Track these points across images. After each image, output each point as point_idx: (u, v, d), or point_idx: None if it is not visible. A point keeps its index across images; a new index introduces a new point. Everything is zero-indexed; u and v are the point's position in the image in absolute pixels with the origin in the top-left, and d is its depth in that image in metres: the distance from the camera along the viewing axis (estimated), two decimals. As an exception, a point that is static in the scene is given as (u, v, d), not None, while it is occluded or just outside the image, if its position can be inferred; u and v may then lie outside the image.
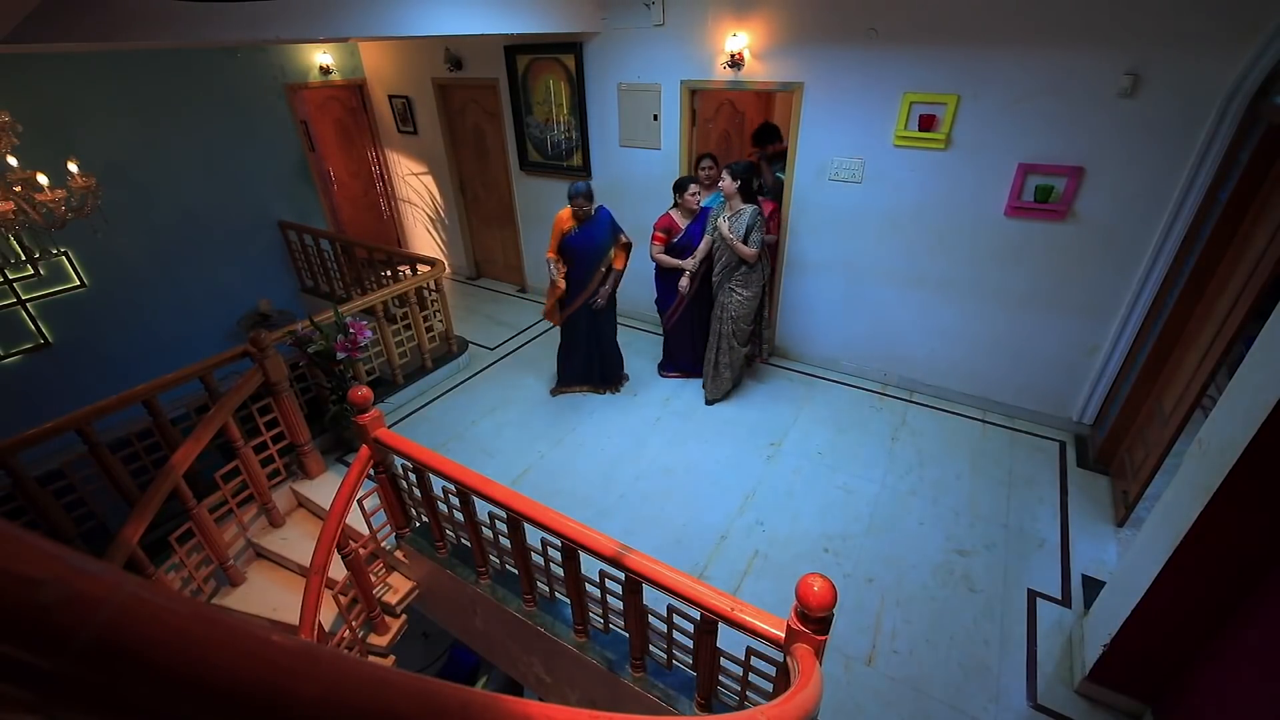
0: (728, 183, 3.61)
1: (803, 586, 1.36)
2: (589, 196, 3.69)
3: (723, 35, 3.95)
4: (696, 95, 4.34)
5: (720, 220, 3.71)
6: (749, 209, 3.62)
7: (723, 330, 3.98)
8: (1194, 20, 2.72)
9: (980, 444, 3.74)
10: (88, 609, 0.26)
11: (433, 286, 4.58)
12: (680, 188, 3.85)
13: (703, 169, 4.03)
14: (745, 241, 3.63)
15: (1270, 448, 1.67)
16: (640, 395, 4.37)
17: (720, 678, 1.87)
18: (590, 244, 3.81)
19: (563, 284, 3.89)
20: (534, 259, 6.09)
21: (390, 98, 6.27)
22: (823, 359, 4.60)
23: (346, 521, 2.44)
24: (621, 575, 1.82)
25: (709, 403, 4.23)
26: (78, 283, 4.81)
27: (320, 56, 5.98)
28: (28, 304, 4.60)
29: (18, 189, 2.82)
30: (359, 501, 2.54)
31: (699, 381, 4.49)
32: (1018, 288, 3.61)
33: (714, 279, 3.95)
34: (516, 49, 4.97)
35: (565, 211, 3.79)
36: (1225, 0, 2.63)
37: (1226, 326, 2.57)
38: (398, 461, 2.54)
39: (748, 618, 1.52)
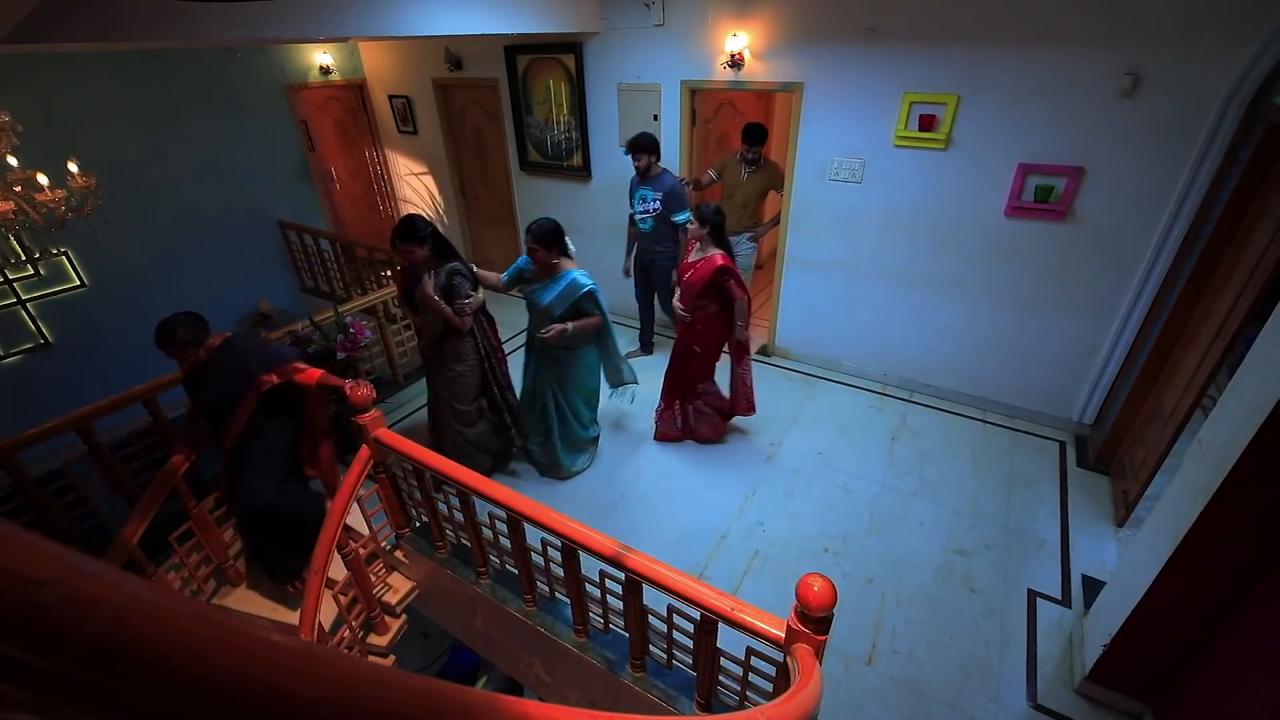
0: (695, 227, 3.26)
1: (803, 586, 1.36)
2: (548, 242, 2.95)
3: (723, 35, 3.95)
4: (696, 95, 4.34)
5: (426, 279, 2.94)
6: (449, 266, 2.96)
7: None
8: (1194, 20, 2.72)
9: (980, 444, 3.74)
10: (88, 609, 0.26)
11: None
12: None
13: (638, 162, 4.00)
14: (450, 301, 2.95)
15: (1270, 448, 1.67)
16: (641, 395, 4.36)
17: (720, 678, 1.87)
18: (536, 304, 3.12)
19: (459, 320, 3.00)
20: (534, 259, 6.09)
21: (390, 98, 6.27)
22: (823, 359, 4.60)
23: (346, 521, 2.44)
24: (621, 575, 1.82)
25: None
26: (78, 283, 4.81)
27: (320, 56, 5.98)
28: (28, 304, 4.60)
29: (18, 189, 2.82)
30: (359, 501, 2.54)
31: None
32: (1018, 288, 3.61)
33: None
34: (516, 49, 4.97)
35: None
36: (1225, 0, 2.63)
37: (1226, 326, 2.57)
38: (398, 461, 2.54)
39: (748, 618, 1.52)
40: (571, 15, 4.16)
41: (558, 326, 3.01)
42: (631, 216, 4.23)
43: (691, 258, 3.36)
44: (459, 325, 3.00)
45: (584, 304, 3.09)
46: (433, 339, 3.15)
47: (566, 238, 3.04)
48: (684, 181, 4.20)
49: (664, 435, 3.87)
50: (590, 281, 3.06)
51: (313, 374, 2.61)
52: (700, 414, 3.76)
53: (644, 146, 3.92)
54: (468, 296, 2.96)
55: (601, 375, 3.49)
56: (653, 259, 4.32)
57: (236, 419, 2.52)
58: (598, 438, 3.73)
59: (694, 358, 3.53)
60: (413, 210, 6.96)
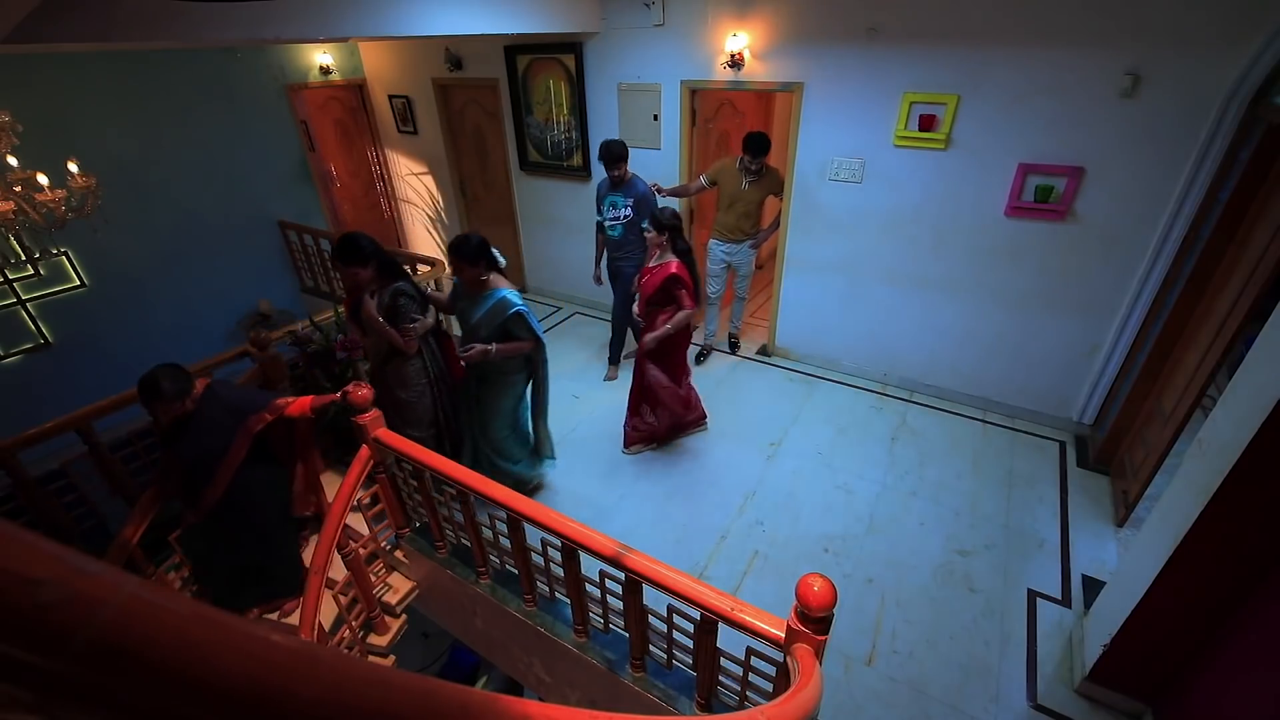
0: (654, 235, 3.20)
1: (803, 586, 1.36)
2: (469, 259, 2.72)
3: (723, 35, 3.95)
4: (697, 95, 4.34)
5: (369, 299, 2.75)
6: (394, 287, 2.80)
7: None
8: (1194, 20, 2.72)
9: (980, 444, 3.74)
10: (88, 609, 0.26)
11: (433, 286, 4.58)
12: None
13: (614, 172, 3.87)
14: (395, 323, 2.79)
15: (1270, 448, 1.67)
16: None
17: (720, 678, 1.87)
18: (466, 321, 2.92)
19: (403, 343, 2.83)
20: (534, 259, 6.09)
21: (390, 98, 6.27)
22: (823, 359, 4.60)
23: (346, 521, 2.44)
24: (621, 575, 1.82)
25: None
26: (78, 283, 4.81)
27: (320, 56, 5.98)
28: (28, 304, 4.60)
29: (18, 189, 2.82)
30: (359, 501, 2.54)
31: (699, 382, 4.49)
32: (1018, 288, 3.61)
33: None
34: (516, 49, 4.97)
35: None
36: (1225, 0, 2.63)
37: (1226, 326, 2.57)
38: (398, 461, 2.54)
39: (748, 618, 1.52)
40: (571, 15, 4.16)
41: (480, 346, 2.79)
42: (600, 224, 4.12)
43: (650, 264, 3.34)
44: (403, 349, 2.83)
45: (511, 326, 2.83)
46: (376, 362, 2.96)
47: (494, 250, 2.83)
48: (653, 187, 4.08)
49: (634, 443, 3.77)
50: (520, 302, 2.82)
51: (302, 402, 2.50)
52: (640, 420, 3.72)
53: (621, 155, 3.84)
54: (413, 320, 2.79)
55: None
56: (620, 267, 4.21)
57: (226, 464, 2.42)
58: (536, 482, 3.42)
59: (653, 365, 3.51)
60: (413, 210, 6.96)
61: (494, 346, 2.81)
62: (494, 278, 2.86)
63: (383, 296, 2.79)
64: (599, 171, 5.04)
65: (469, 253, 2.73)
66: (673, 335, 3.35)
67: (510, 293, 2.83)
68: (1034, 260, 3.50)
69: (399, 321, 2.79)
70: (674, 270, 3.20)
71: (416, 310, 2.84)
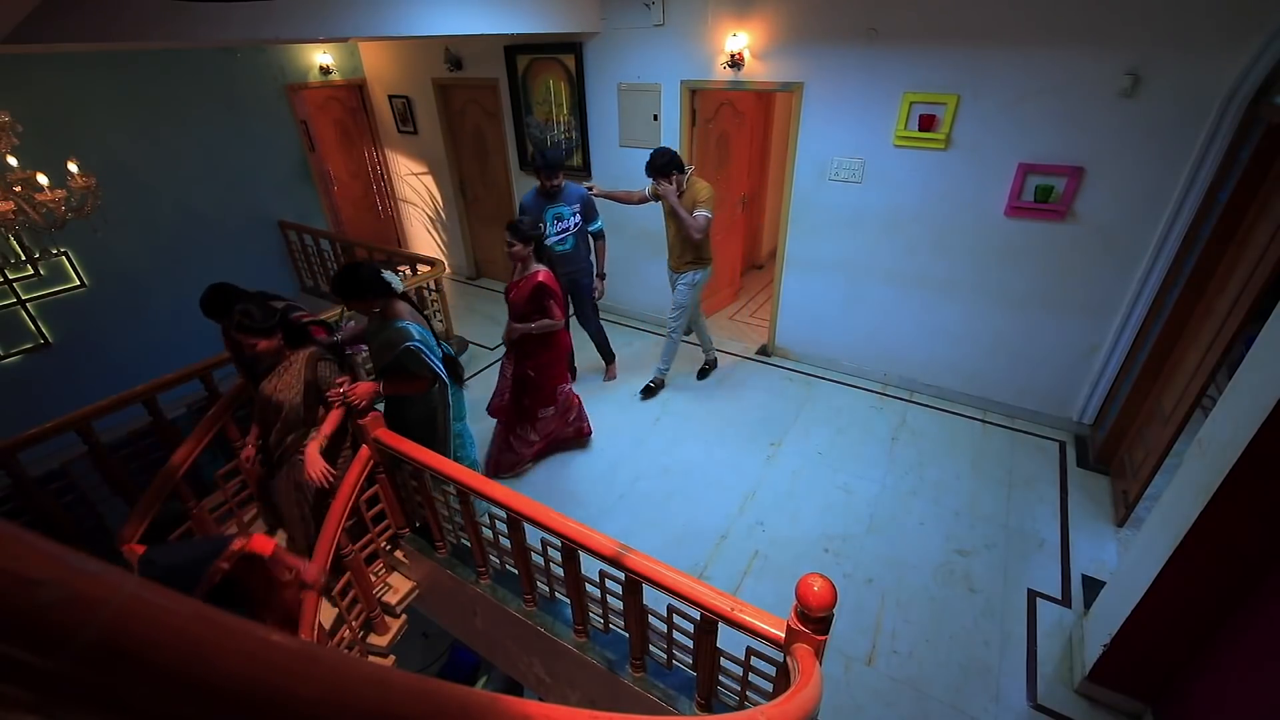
0: (519, 247, 3.02)
1: (803, 586, 1.36)
2: (350, 294, 2.42)
3: (723, 35, 3.94)
4: (697, 95, 4.34)
5: (275, 378, 2.44)
6: (311, 353, 2.50)
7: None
8: (1194, 20, 2.72)
9: (980, 444, 3.74)
10: (88, 609, 0.26)
11: (433, 286, 4.58)
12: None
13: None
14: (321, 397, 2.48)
15: (1270, 448, 1.67)
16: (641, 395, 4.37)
17: (720, 678, 1.87)
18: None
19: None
20: (534, 259, 6.09)
21: (390, 98, 6.27)
22: (823, 359, 4.60)
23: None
24: (621, 575, 1.82)
25: None
26: (78, 283, 4.81)
27: (320, 56, 5.98)
28: (28, 304, 4.60)
29: (18, 189, 2.82)
30: (359, 501, 2.54)
31: (699, 382, 4.49)
32: (1018, 288, 3.61)
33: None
34: (516, 49, 4.97)
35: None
36: (1225, 0, 2.63)
37: (1226, 326, 2.57)
38: (397, 462, 2.54)
39: (748, 618, 1.52)
40: (571, 15, 4.16)
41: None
42: (540, 243, 3.53)
43: (515, 276, 3.21)
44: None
45: (405, 360, 2.50)
46: (282, 434, 2.49)
47: (385, 274, 2.49)
48: (589, 188, 3.84)
49: (511, 466, 3.55)
50: (416, 338, 2.49)
51: (264, 544, 1.90)
52: (520, 440, 3.53)
53: (561, 164, 3.66)
54: (337, 382, 2.38)
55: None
56: (575, 279, 3.97)
57: None
58: None
59: (530, 382, 3.38)
60: (413, 210, 6.95)
61: (380, 386, 2.45)
62: (396, 306, 2.55)
63: (308, 369, 2.42)
64: (599, 172, 5.06)
65: (345, 289, 2.40)
66: (548, 346, 3.23)
67: (411, 325, 2.51)
68: (1034, 260, 3.50)
69: (324, 392, 2.41)
70: (541, 279, 3.06)
71: (336, 371, 2.49)
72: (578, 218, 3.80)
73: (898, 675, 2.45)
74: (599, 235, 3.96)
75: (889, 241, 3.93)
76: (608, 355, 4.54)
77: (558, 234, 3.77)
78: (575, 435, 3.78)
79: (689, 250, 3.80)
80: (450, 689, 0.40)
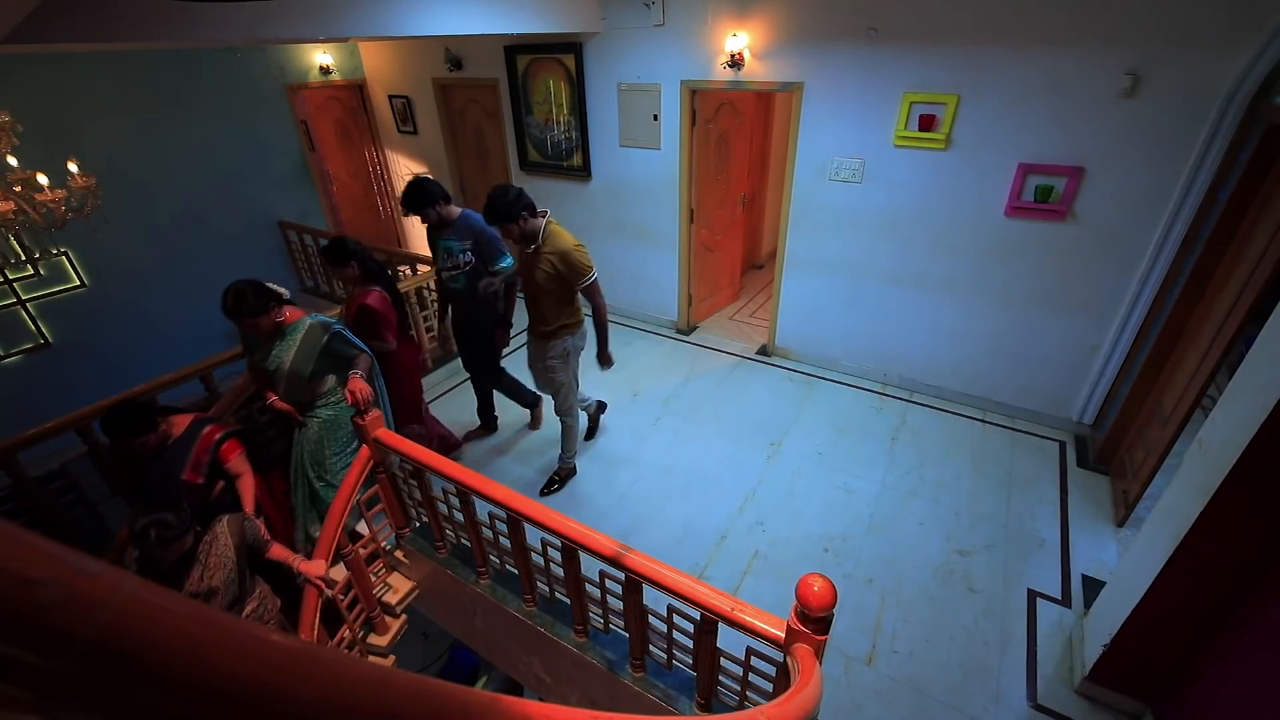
0: (352, 269, 2.93)
1: (803, 586, 1.36)
2: (244, 312, 2.43)
3: (723, 35, 3.95)
4: (697, 95, 4.34)
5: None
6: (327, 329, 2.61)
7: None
8: (1194, 20, 2.72)
9: (980, 444, 3.74)
10: (88, 609, 0.26)
11: (432, 286, 4.58)
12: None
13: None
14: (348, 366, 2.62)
15: (1270, 448, 1.67)
16: (641, 395, 4.36)
17: (720, 678, 1.87)
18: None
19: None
20: (534, 259, 6.09)
21: (390, 98, 6.28)
22: (823, 359, 4.60)
23: (346, 521, 2.44)
24: (621, 575, 1.82)
25: None
26: (78, 283, 4.81)
27: (320, 56, 5.98)
28: (28, 304, 4.60)
29: (18, 189, 2.82)
30: (359, 501, 2.54)
31: (699, 382, 4.49)
32: (1018, 288, 3.61)
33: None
34: (516, 49, 4.97)
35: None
36: (1225, 0, 2.63)
37: (1226, 326, 2.57)
38: (397, 461, 2.54)
39: (748, 618, 1.52)
40: (571, 15, 4.16)
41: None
42: (438, 275, 3.38)
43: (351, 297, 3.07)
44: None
45: (337, 347, 2.58)
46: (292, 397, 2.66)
47: (270, 284, 2.52)
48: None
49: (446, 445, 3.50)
50: (336, 322, 2.59)
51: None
52: (425, 426, 3.42)
53: (419, 202, 3.10)
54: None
55: None
56: (474, 324, 3.44)
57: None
58: None
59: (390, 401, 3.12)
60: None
61: (357, 370, 2.55)
62: (289, 310, 2.60)
63: (322, 348, 2.60)
64: (599, 171, 5.06)
65: (237, 308, 2.40)
66: (401, 365, 3.08)
67: (318, 317, 2.59)
68: (1034, 260, 3.50)
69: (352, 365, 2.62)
70: (366, 301, 2.85)
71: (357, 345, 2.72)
72: (469, 255, 3.21)
73: (898, 675, 2.46)
74: (502, 274, 3.29)
75: (889, 241, 3.93)
76: (527, 402, 3.90)
77: (449, 270, 3.27)
78: (452, 449, 3.68)
79: (564, 311, 3.03)
80: (451, 689, 0.40)
